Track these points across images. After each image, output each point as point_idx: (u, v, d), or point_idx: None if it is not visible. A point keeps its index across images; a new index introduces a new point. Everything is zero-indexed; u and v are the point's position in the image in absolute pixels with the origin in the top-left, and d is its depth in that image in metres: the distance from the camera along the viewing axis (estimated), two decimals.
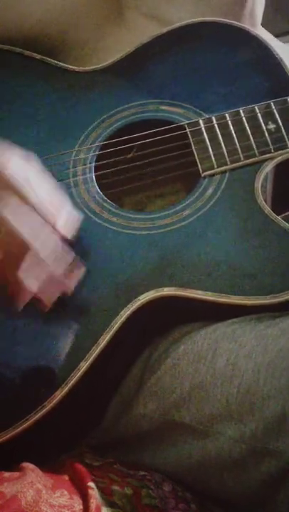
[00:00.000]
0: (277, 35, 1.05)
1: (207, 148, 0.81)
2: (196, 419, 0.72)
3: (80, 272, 0.73)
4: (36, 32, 0.89)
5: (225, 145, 0.80)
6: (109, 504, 0.67)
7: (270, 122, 0.81)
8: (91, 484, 0.68)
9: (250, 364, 0.70)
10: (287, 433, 0.66)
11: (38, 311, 0.73)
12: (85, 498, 0.66)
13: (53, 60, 0.88)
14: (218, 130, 0.81)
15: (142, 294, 0.74)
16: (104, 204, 0.80)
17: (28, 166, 0.72)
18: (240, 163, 0.80)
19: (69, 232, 0.72)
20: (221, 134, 0.81)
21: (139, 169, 0.83)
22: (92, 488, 0.67)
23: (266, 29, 1.00)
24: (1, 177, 0.68)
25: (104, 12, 0.91)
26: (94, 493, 0.66)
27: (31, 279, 0.69)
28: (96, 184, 0.82)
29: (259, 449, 0.68)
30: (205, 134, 0.81)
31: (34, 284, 0.70)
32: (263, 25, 1.00)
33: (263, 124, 0.81)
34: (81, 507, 0.65)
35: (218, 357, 0.72)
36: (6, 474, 0.67)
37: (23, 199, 0.69)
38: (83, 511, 0.65)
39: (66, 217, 0.72)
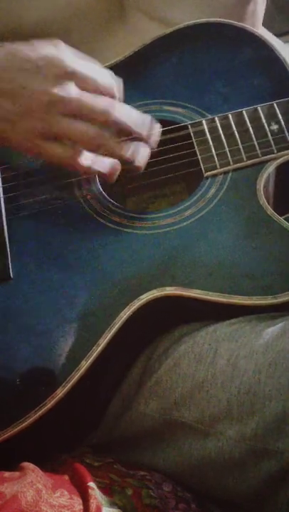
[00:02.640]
0: (277, 35, 1.05)
1: (210, 149, 0.81)
2: (196, 419, 0.72)
3: (158, 127, 0.78)
4: (38, 31, 0.89)
5: (228, 145, 0.80)
6: (109, 504, 0.67)
7: (273, 123, 0.81)
8: (91, 484, 0.68)
9: (251, 364, 0.70)
10: (288, 433, 0.66)
11: (42, 310, 0.73)
12: (85, 498, 0.66)
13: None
14: (221, 130, 0.81)
15: (144, 293, 0.74)
16: (107, 204, 0.80)
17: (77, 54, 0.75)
18: (243, 164, 0.80)
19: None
20: (224, 135, 0.81)
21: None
22: (92, 488, 0.67)
23: (267, 29, 1.00)
24: (65, 69, 0.71)
25: (106, 12, 0.90)
26: (94, 493, 0.66)
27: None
28: (98, 184, 0.81)
29: (259, 449, 0.68)
30: (208, 134, 0.81)
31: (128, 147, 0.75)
32: (263, 25, 1.00)
33: (265, 125, 0.81)
34: (81, 507, 0.65)
35: (218, 357, 0.72)
36: (6, 474, 0.66)
37: (88, 83, 0.72)
38: (83, 511, 0.65)
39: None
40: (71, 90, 0.71)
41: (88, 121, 0.72)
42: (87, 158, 0.74)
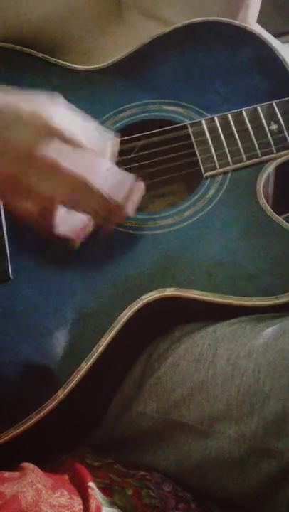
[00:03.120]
0: (276, 35, 1.05)
1: (209, 149, 0.81)
2: (196, 419, 0.72)
3: (140, 189, 0.72)
4: (36, 30, 0.89)
5: (227, 145, 0.80)
6: (109, 504, 0.67)
7: (272, 123, 0.81)
8: (91, 484, 0.68)
9: (251, 364, 0.70)
10: (288, 433, 0.66)
11: (42, 311, 0.73)
12: (85, 498, 0.66)
13: (54, 59, 0.88)
14: (220, 130, 0.81)
15: (144, 294, 0.74)
16: None
17: (72, 111, 0.71)
18: (243, 164, 0.80)
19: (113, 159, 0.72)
20: (224, 135, 0.81)
21: (141, 169, 0.83)
22: (92, 488, 0.67)
23: (266, 29, 0.99)
24: (48, 126, 0.68)
25: (104, 11, 0.90)
26: (94, 493, 0.66)
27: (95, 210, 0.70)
28: None
29: (259, 449, 0.68)
30: (207, 134, 0.81)
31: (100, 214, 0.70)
32: (262, 25, 1.00)
33: (265, 125, 0.81)
34: (81, 507, 0.65)
35: (218, 357, 0.73)
36: (6, 474, 0.66)
37: (71, 142, 0.68)
38: (83, 511, 0.65)
39: (112, 150, 0.72)
40: (49, 149, 0.67)
41: (63, 181, 0.68)
42: (54, 218, 0.70)
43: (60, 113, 0.69)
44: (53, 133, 0.67)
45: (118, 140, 0.73)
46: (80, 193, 0.68)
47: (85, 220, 0.71)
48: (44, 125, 0.67)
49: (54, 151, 0.67)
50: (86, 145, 0.69)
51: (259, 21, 1.00)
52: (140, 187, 0.72)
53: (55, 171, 0.67)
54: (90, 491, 0.67)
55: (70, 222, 0.70)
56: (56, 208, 0.68)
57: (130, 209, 0.71)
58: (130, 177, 0.71)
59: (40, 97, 0.70)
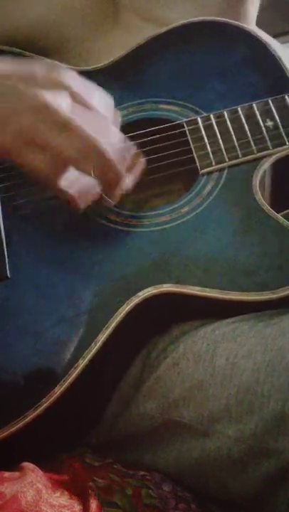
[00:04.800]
0: (275, 36, 1.05)
1: (205, 146, 0.81)
2: (195, 419, 0.72)
3: (141, 165, 0.77)
4: (33, 31, 0.89)
5: (223, 142, 0.81)
6: (109, 504, 0.66)
7: (268, 119, 0.81)
8: (91, 484, 0.68)
9: (250, 363, 0.70)
10: (287, 433, 0.66)
11: (39, 308, 0.74)
12: (85, 498, 0.66)
13: (50, 60, 0.89)
14: (216, 127, 0.81)
15: (141, 290, 0.74)
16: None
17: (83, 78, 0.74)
18: (239, 160, 0.80)
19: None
20: (219, 132, 0.81)
21: None
22: (92, 488, 0.67)
23: (265, 29, 1.00)
24: (64, 84, 0.70)
25: (101, 12, 0.91)
26: (94, 493, 0.66)
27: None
28: None
29: (259, 449, 0.68)
30: (203, 131, 0.81)
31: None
32: (261, 25, 1.00)
33: (261, 122, 0.81)
34: (81, 507, 0.65)
35: (217, 356, 0.72)
36: (6, 474, 0.66)
37: (84, 103, 0.71)
38: (83, 511, 0.65)
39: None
40: (62, 102, 0.69)
41: (73, 138, 0.70)
42: (65, 179, 0.72)
43: (74, 76, 0.72)
44: (68, 91, 0.70)
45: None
46: (90, 153, 0.70)
47: (91, 185, 0.73)
48: (60, 83, 0.70)
49: (69, 109, 0.69)
50: (98, 108, 0.71)
51: (258, 21, 1.00)
52: (141, 163, 0.76)
53: (69, 128, 0.69)
54: (90, 491, 0.67)
55: (77, 185, 0.72)
56: (67, 164, 0.70)
57: (130, 181, 0.75)
58: (133, 148, 0.75)
59: (50, 62, 0.74)
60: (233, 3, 0.93)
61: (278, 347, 0.70)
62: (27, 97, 0.69)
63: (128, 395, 0.78)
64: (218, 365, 0.72)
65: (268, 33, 1.01)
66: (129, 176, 0.75)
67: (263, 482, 0.68)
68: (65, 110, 0.69)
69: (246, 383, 0.69)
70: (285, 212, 0.80)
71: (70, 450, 0.76)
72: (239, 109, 0.82)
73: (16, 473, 0.67)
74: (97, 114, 0.71)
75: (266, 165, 0.80)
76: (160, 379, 0.75)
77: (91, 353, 0.71)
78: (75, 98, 0.70)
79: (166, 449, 0.75)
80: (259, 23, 1.01)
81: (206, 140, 0.81)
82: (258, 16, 1.00)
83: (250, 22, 0.96)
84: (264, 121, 0.81)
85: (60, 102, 0.69)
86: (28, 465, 0.68)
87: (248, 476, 0.69)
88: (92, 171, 0.71)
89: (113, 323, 0.72)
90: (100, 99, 0.73)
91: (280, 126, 0.80)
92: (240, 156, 0.80)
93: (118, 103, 0.85)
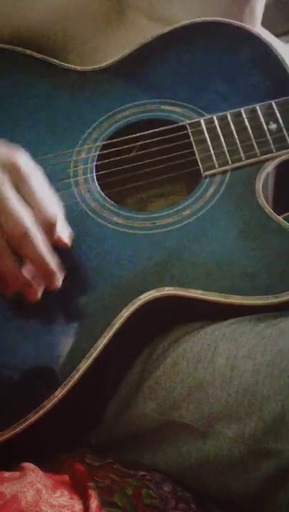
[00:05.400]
0: (277, 35, 1.05)
1: (208, 148, 0.81)
2: (195, 419, 0.72)
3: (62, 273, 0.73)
4: (37, 31, 0.89)
5: (226, 145, 0.80)
6: (109, 504, 0.67)
7: (271, 122, 0.81)
8: (91, 484, 0.68)
9: (250, 364, 0.70)
10: (287, 433, 0.66)
11: (40, 311, 0.73)
12: (85, 498, 0.66)
13: (54, 60, 0.88)
14: (219, 130, 0.81)
15: (143, 293, 0.73)
16: (105, 204, 0.80)
17: (35, 167, 0.73)
18: (242, 163, 0.80)
19: (65, 238, 0.73)
20: (223, 134, 0.81)
21: (140, 169, 0.83)
22: (93, 488, 0.67)
23: (267, 29, 1.00)
24: (13, 166, 0.69)
25: (105, 11, 0.90)
26: (94, 493, 0.66)
27: (28, 267, 0.70)
28: (97, 184, 0.81)
29: (258, 449, 0.68)
30: (206, 133, 0.81)
31: (30, 272, 0.70)
32: (263, 25, 1.00)
33: (264, 124, 0.81)
34: (81, 507, 0.65)
35: (217, 357, 0.72)
36: (6, 474, 0.66)
37: (30, 190, 0.70)
38: (83, 511, 0.65)
39: (63, 224, 0.73)
40: (4, 183, 0.68)
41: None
42: None
43: (29, 163, 0.70)
44: (13, 171, 0.69)
45: (62, 215, 0.73)
46: (16, 240, 0.68)
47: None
48: (7, 162, 0.69)
49: (7, 189, 0.68)
50: (40, 200, 0.69)
51: (261, 21, 1.00)
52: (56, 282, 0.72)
53: (1, 208, 0.68)
54: (90, 491, 0.67)
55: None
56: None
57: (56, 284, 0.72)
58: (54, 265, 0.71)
59: (5, 144, 0.71)
60: (239, 3, 0.93)
61: (278, 348, 0.70)
62: None
63: (128, 395, 0.78)
64: (218, 366, 0.72)
65: (271, 32, 1.01)
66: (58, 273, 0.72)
67: (263, 482, 0.68)
68: (3, 190, 0.68)
69: (246, 384, 0.69)
70: (287, 214, 0.80)
71: (71, 450, 0.76)
72: (242, 111, 0.81)
73: (16, 473, 0.67)
74: (36, 208, 0.70)
75: (269, 168, 0.79)
76: (160, 379, 0.75)
77: (92, 356, 0.71)
78: (21, 183, 0.69)
79: (167, 449, 0.75)
80: (262, 23, 1.01)
81: (209, 142, 0.81)
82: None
83: (256, 21, 0.95)
84: (267, 124, 0.81)
85: (2, 182, 0.68)
86: (28, 465, 0.68)
87: (248, 476, 0.69)
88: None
89: (115, 326, 0.72)
90: (49, 193, 0.72)
91: (284, 129, 0.80)
92: (243, 158, 0.80)
93: (121, 103, 0.85)
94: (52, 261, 0.70)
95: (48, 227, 0.70)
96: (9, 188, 0.69)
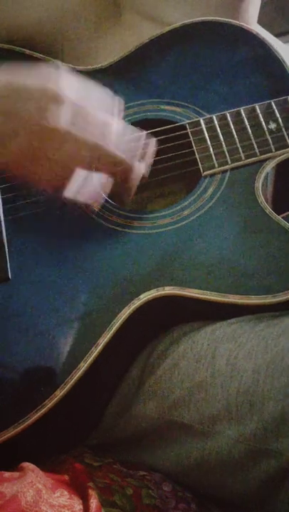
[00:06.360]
0: (277, 35, 1.05)
1: (208, 148, 0.81)
2: (195, 419, 0.72)
3: (152, 146, 0.77)
4: (35, 31, 0.89)
5: (226, 144, 0.80)
6: (109, 504, 0.67)
7: (271, 122, 0.81)
8: (91, 484, 0.68)
9: (250, 364, 0.70)
10: (287, 433, 0.66)
11: (40, 311, 0.74)
12: (85, 498, 0.66)
13: (53, 59, 0.88)
14: (219, 129, 0.81)
15: (143, 293, 0.74)
16: (105, 203, 0.80)
17: (77, 78, 0.73)
18: (241, 163, 0.80)
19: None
20: (222, 134, 0.81)
21: None
22: (92, 488, 0.67)
23: (266, 29, 1.00)
24: (56, 97, 0.70)
25: (103, 12, 0.90)
26: (94, 493, 0.66)
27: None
28: None
29: (259, 449, 0.68)
30: (206, 133, 0.81)
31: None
32: (262, 25, 1.00)
33: (263, 124, 0.81)
34: (81, 507, 0.65)
35: (217, 357, 0.72)
36: (6, 474, 0.66)
37: (81, 109, 0.71)
38: (83, 511, 0.65)
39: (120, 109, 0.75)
40: (61, 120, 0.69)
41: (75, 148, 0.70)
42: (72, 187, 0.72)
43: (66, 82, 0.71)
44: (62, 103, 0.69)
45: (122, 100, 0.75)
46: (96, 158, 0.71)
47: (103, 182, 0.74)
48: (53, 96, 0.69)
49: (66, 121, 0.69)
50: (95, 109, 0.71)
51: (260, 21, 1.00)
52: (152, 143, 0.76)
53: (70, 140, 0.69)
54: (90, 491, 0.67)
55: (88, 187, 0.73)
56: (74, 174, 0.71)
57: (144, 168, 0.75)
58: (142, 135, 0.75)
59: (44, 69, 0.72)
60: (233, 3, 0.92)
61: (279, 348, 0.70)
62: (24, 120, 0.69)
63: (128, 395, 0.78)
64: (218, 366, 0.72)
65: (271, 32, 1.01)
66: (142, 163, 0.75)
67: (263, 482, 0.68)
68: (63, 126, 0.69)
69: (246, 384, 0.69)
70: (287, 214, 0.80)
71: (70, 450, 0.76)
72: (242, 110, 0.82)
73: (16, 473, 0.67)
74: (97, 116, 0.71)
75: (269, 167, 0.79)
76: (160, 379, 0.75)
77: (92, 356, 0.71)
78: (72, 107, 0.70)
79: (167, 450, 0.75)
80: (261, 23, 1.01)
81: (209, 142, 0.81)
82: (259, 16, 0.99)
83: (252, 22, 0.95)
84: (267, 124, 0.81)
85: (58, 119, 0.69)
86: (28, 465, 0.68)
87: (248, 476, 0.69)
88: (106, 173, 0.73)
89: (115, 326, 0.72)
90: (97, 98, 0.73)
91: (283, 129, 0.80)
92: (242, 158, 0.80)
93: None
94: (129, 157, 0.73)
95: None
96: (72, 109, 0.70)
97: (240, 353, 0.71)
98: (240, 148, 0.80)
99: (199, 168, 0.80)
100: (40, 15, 0.88)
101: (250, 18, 0.95)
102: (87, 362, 0.71)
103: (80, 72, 0.88)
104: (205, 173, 0.80)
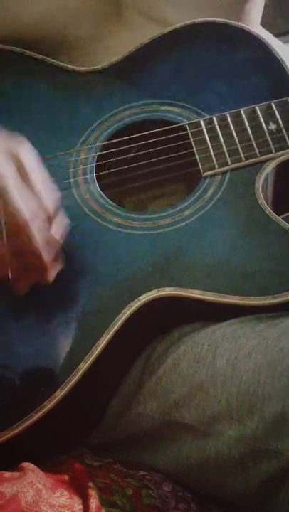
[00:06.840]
0: (277, 35, 1.05)
1: (208, 149, 0.81)
2: (196, 420, 0.72)
3: (59, 265, 0.73)
4: (36, 31, 0.89)
5: (226, 145, 0.80)
6: (109, 504, 0.67)
7: (271, 122, 0.81)
8: (91, 484, 0.68)
9: (250, 364, 0.70)
10: (287, 433, 0.66)
11: (41, 311, 0.73)
12: (85, 498, 0.66)
13: (53, 60, 0.88)
14: (219, 130, 0.81)
15: (143, 293, 0.74)
16: (105, 204, 0.80)
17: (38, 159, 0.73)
18: (241, 164, 0.80)
19: (63, 229, 0.73)
20: (222, 134, 0.81)
21: (140, 169, 0.83)
22: (92, 488, 0.67)
23: (266, 29, 1.00)
24: (14, 153, 0.69)
25: (104, 12, 0.90)
26: (94, 493, 0.66)
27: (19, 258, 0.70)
28: (97, 184, 0.82)
29: (259, 450, 0.68)
30: (206, 134, 0.81)
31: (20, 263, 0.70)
32: (263, 25, 1.00)
33: (264, 125, 0.81)
34: (81, 507, 0.65)
35: (218, 357, 0.72)
36: (6, 474, 0.66)
37: (33, 181, 0.70)
38: (83, 511, 0.65)
39: (62, 216, 0.73)
40: (6, 172, 0.68)
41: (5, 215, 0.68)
42: None
43: (29, 151, 0.71)
44: (16, 161, 0.68)
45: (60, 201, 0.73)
46: (17, 233, 0.68)
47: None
48: (11, 152, 0.69)
49: (11, 178, 0.68)
50: (42, 190, 0.70)
51: (260, 21, 1.00)
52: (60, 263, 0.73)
53: (4, 197, 0.67)
54: (90, 491, 0.67)
55: None
56: None
57: (50, 276, 0.72)
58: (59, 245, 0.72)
59: (10, 135, 0.71)
60: (236, 4, 0.92)
61: (279, 348, 0.70)
62: None
63: (129, 395, 0.78)
64: (218, 366, 0.72)
65: (271, 32, 1.01)
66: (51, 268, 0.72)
67: (263, 483, 0.68)
68: (6, 179, 0.68)
69: (247, 384, 0.69)
70: (287, 215, 0.80)
71: (71, 451, 0.76)
72: (242, 111, 0.82)
73: (16, 473, 0.67)
74: (38, 197, 0.70)
75: (269, 168, 0.79)
76: (161, 380, 0.75)
77: (93, 357, 0.71)
78: (23, 172, 0.69)
79: (167, 450, 0.75)
80: (261, 23, 1.01)
81: (209, 143, 0.81)
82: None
83: (253, 23, 0.95)
84: (267, 125, 0.81)
85: (4, 171, 0.68)
86: (28, 465, 0.68)
87: (248, 476, 0.69)
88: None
89: (115, 326, 0.72)
90: (47, 181, 0.72)
91: (283, 130, 0.80)
92: (243, 159, 0.80)
93: (120, 104, 0.85)
94: (46, 255, 0.70)
95: (48, 219, 0.70)
96: (13, 177, 0.68)
97: (241, 354, 0.71)
98: (240, 149, 0.80)
99: (199, 169, 0.80)
100: (42, 15, 0.88)
101: (253, 20, 0.95)
102: (88, 362, 0.71)
103: (81, 72, 0.88)
104: (205, 173, 0.80)
